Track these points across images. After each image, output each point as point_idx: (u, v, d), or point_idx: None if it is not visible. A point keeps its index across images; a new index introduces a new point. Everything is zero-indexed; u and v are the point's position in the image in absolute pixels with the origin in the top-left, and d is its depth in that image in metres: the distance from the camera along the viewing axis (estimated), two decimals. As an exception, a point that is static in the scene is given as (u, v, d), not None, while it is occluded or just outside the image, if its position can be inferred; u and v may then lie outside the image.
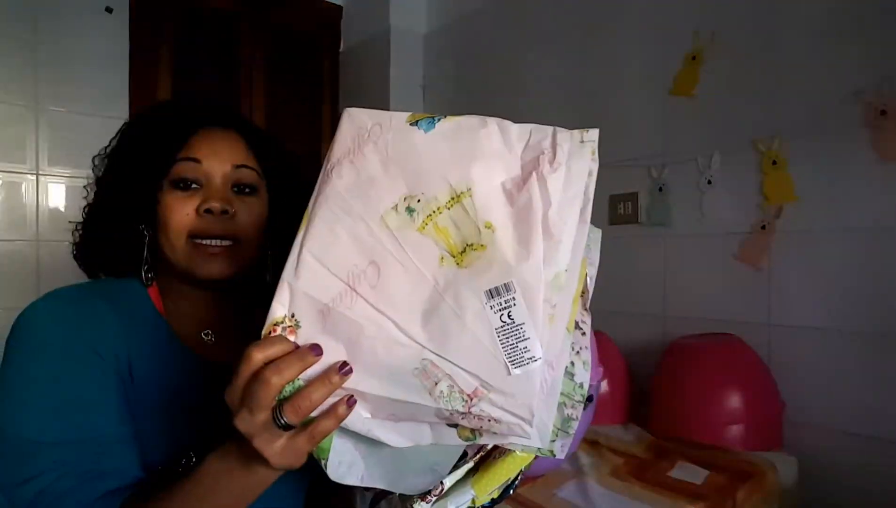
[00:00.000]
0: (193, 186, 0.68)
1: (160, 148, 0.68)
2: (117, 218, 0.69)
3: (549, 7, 1.82)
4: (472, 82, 2.10)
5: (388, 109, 2.36)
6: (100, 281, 0.72)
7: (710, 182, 1.41)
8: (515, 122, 0.55)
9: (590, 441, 1.23)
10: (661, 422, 1.29)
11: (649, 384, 1.36)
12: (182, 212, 0.67)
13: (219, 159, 0.69)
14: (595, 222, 1.93)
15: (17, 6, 1.75)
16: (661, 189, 1.50)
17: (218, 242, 0.67)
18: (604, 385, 1.36)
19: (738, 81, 1.36)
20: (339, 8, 2.49)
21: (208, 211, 0.66)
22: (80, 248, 0.73)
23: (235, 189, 0.70)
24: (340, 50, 2.51)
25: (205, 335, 0.73)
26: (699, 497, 0.96)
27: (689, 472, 1.06)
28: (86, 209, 0.72)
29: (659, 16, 1.52)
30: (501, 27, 1.98)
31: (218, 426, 0.57)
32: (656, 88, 1.52)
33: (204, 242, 0.67)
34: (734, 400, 1.19)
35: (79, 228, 0.73)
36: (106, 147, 0.73)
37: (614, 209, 1.61)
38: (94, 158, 0.74)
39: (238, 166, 0.70)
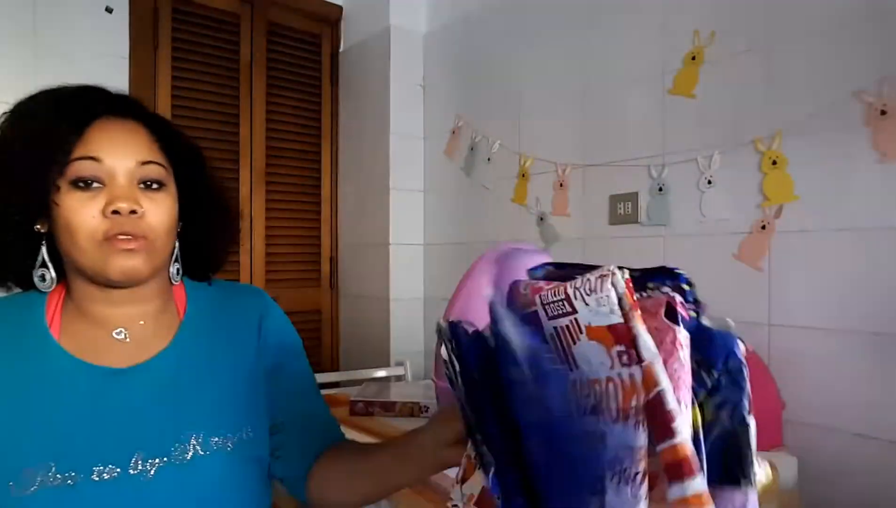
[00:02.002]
0: (95, 185, 0.63)
1: (52, 145, 0.62)
2: (8, 220, 0.64)
3: (548, 7, 1.82)
4: (472, 82, 2.09)
5: (388, 109, 2.37)
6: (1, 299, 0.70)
7: (710, 182, 1.41)
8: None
9: (590, 441, 1.23)
10: (661, 422, 1.29)
11: (649, 384, 1.36)
12: (87, 214, 0.62)
13: (122, 156, 0.64)
14: (595, 221, 1.92)
15: (16, 6, 1.75)
16: (661, 189, 1.50)
17: (130, 241, 0.63)
18: (604, 385, 1.36)
19: (738, 81, 1.36)
20: (339, 8, 2.49)
21: (116, 212, 0.62)
22: None
23: (142, 186, 0.66)
24: (340, 50, 2.51)
25: (117, 334, 0.69)
26: (699, 497, 0.95)
27: (689, 472, 1.06)
28: None
29: (659, 16, 1.52)
30: (501, 27, 1.98)
31: (110, 429, 0.63)
32: (656, 88, 1.52)
33: (115, 241, 0.63)
34: (734, 400, 1.19)
35: None
36: None
37: (614, 209, 1.61)
38: None
39: (144, 163, 0.66)
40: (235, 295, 0.82)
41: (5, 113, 0.67)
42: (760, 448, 1.26)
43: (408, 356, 2.17)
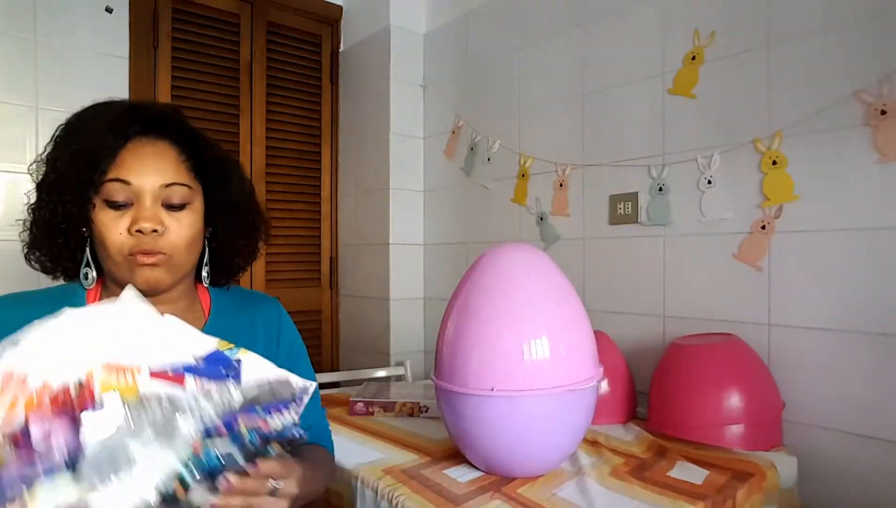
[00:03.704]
0: (124, 205, 0.72)
1: (90, 165, 0.70)
2: (56, 225, 0.73)
3: (548, 7, 1.82)
4: (472, 82, 2.10)
5: (388, 109, 2.37)
6: (41, 290, 0.76)
7: (710, 182, 1.41)
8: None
9: (590, 441, 1.23)
10: (660, 422, 1.29)
11: (649, 384, 1.36)
12: (116, 231, 0.71)
13: (148, 179, 0.72)
14: (595, 222, 1.94)
15: (17, 6, 1.75)
16: (661, 189, 1.50)
17: (150, 257, 0.71)
18: (604, 385, 1.36)
19: (738, 81, 1.36)
20: (339, 8, 2.49)
21: (139, 231, 0.70)
22: (29, 249, 0.76)
23: (166, 206, 0.73)
24: (340, 50, 2.51)
25: None
26: (699, 497, 0.96)
27: (689, 472, 1.06)
28: (29, 212, 0.75)
29: (659, 15, 1.52)
30: (501, 27, 1.98)
31: None
32: (656, 88, 1.52)
33: (138, 257, 0.71)
34: (734, 400, 1.19)
35: (27, 227, 0.76)
36: (43, 152, 0.75)
37: (614, 209, 1.61)
38: (30, 165, 0.77)
39: (168, 185, 0.73)
40: (254, 301, 0.91)
41: (60, 126, 0.76)
42: (760, 447, 1.26)
43: (408, 356, 2.17)
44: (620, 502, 0.95)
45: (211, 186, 0.79)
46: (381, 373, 2.04)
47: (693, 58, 1.44)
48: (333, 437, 0.98)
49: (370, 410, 1.45)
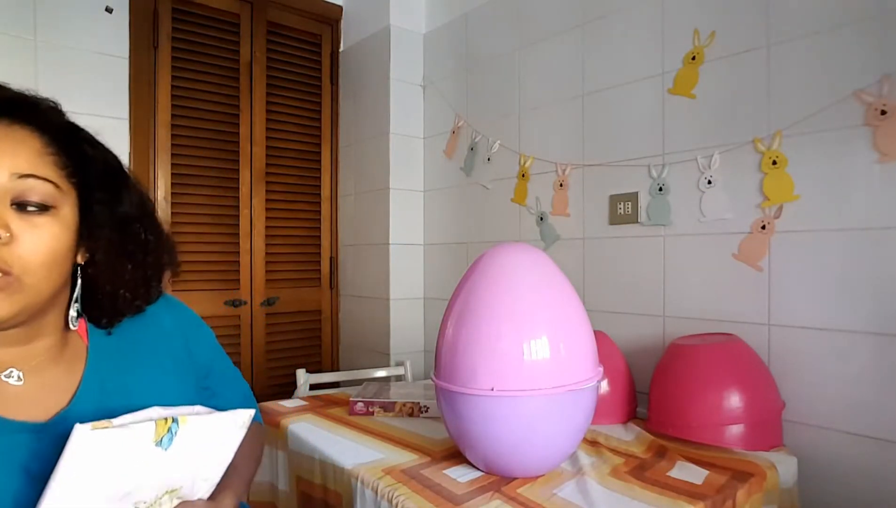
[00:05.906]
0: None
1: None
2: None
3: (548, 7, 1.82)
4: (472, 82, 2.10)
5: (388, 109, 2.37)
6: None
7: (710, 182, 1.41)
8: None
9: (590, 441, 1.23)
10: (660, 422, 1.29)
11: (649, 384, 1.36)
12: None
13: None
14: (595, 222, 1.94)
15: (17, 6, 1.75)
16: (661, 189, 1.50)
17: None
18: (604, 385, 1.36)
19: (738, 81, 1.36)
20: (339, 8, 2.49)
21: None
22: None
23: (14, 206, 0.53)
24: (340, 50, 2.51)
25: (6, 376, 0.58)
26: (699, 497, 0.96)
27: (689, 472, 1.06)
28: None
29: (659, 15, 1.52)
30: (501, 27, 1.98)
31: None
32: (656, 88, 1.52)
33: None
34: (734, 400, 1.19)
35: None
36: None
37: (614, 209, 1.61)
38: None
39: (21, 176, 0.53)
40: (144, 317, 0.72)
41: None
42: (760, 447, 1.26)
43: (408, 356, 2.17)
44: (620, 502, 0.95)
45: (92, 196, 0.60)
46: (381, 373, 2.04)
47: (693, 58, 1.44)
48: (334, 436, 0.98)
49: (370, 410, 1.45)
